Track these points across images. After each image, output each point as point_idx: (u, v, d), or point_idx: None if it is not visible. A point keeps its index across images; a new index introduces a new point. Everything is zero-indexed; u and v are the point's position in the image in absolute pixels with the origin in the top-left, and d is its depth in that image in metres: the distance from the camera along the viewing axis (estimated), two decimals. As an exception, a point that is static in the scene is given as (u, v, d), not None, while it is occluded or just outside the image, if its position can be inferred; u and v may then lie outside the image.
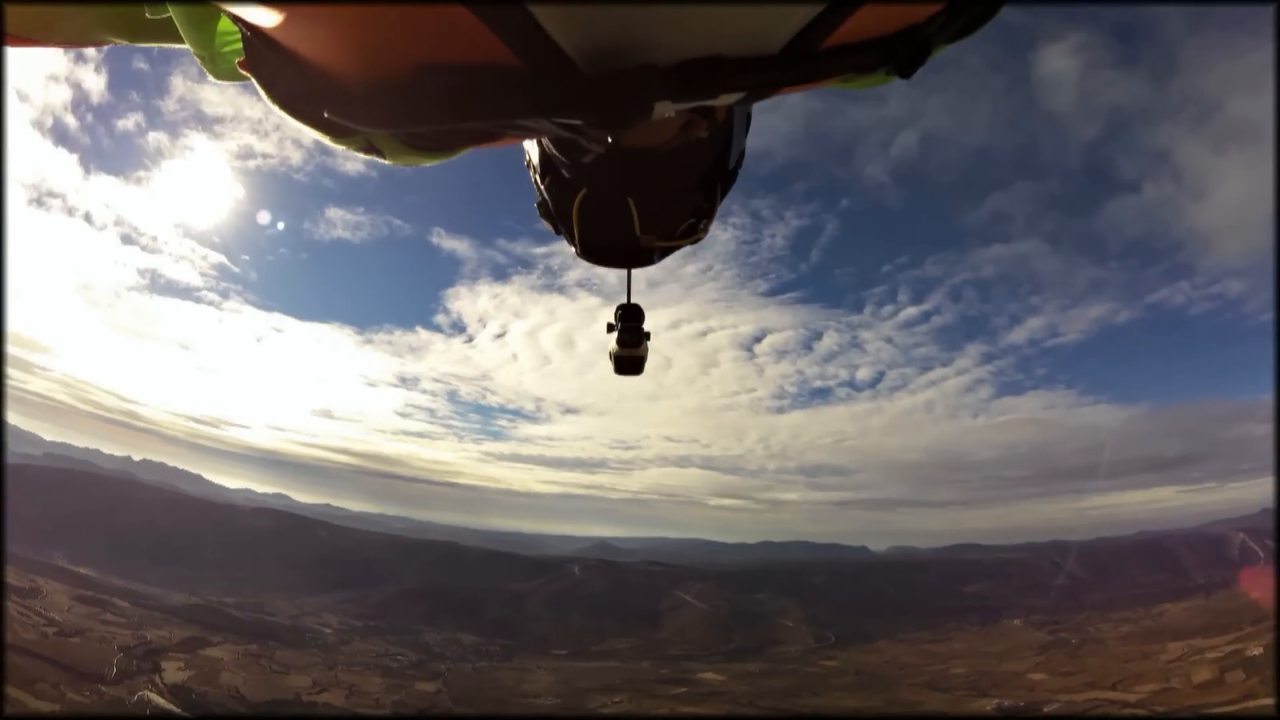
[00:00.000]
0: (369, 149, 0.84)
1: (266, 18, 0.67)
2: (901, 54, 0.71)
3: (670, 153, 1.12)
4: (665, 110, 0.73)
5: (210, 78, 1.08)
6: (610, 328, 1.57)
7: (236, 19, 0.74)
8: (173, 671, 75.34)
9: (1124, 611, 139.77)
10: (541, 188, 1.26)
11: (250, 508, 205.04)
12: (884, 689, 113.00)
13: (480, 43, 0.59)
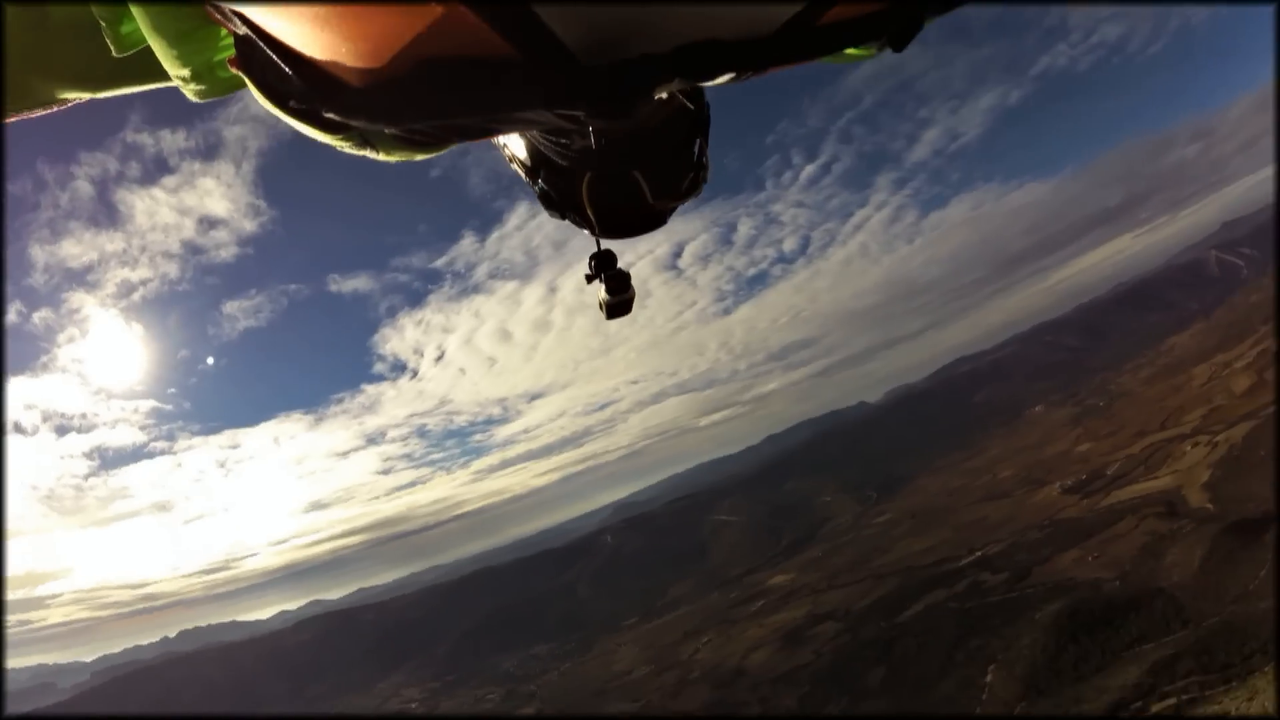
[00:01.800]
0: (363, 144, 0.84)
1: (260, 15, 0.67)
2: (895, 27, 0.72)
3: (662, 122, 1.16)
4: (663, 93, 0.77)
5: (193, 99, 1.05)
6: (590, 279, 1.59)
7: (227, 18, 0.73)
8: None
9: (1135, 360, 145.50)
10: (539, 182, 1.26)
11: (292, 627, 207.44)
12: (946, 518, 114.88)
13: (480, 37, 0.59)
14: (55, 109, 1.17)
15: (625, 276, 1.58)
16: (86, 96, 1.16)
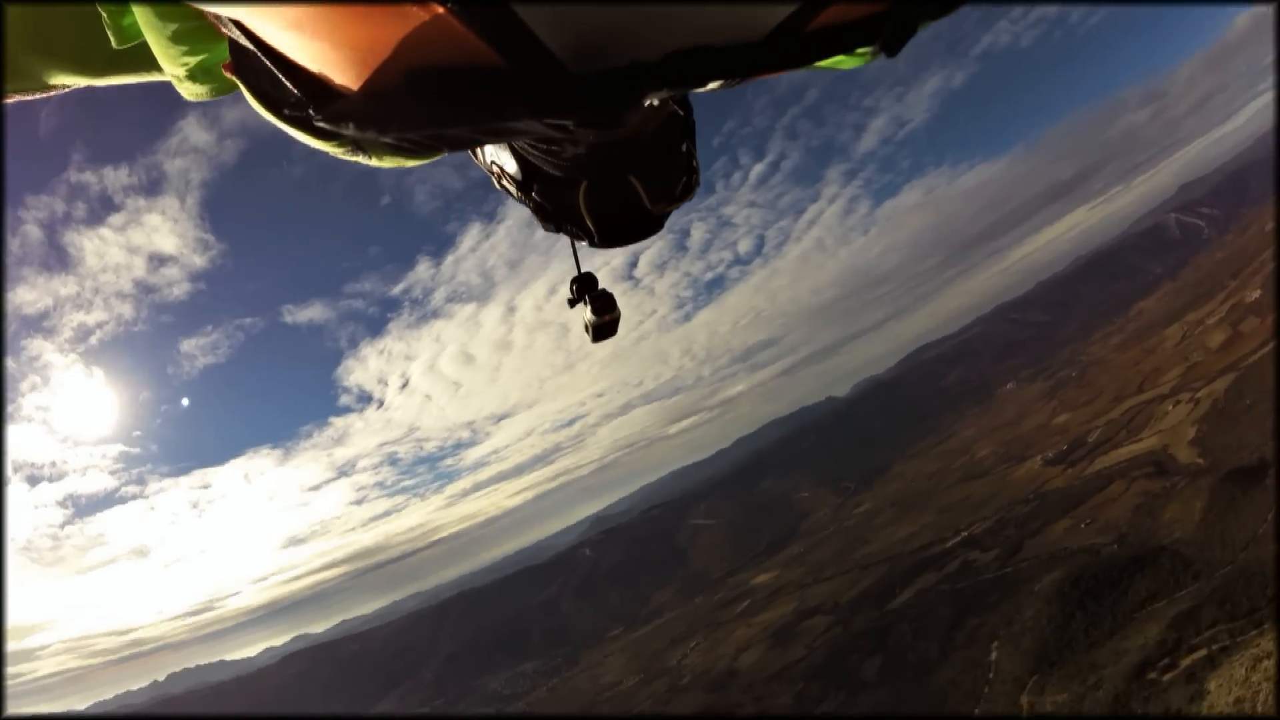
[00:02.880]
0: (355, 151, 0.84)
1: (253, 22, 0.66)
2: (888, 32, 0.70)
3: (655, 128, 1.14)
4: (653, 100, 0.73)
5: (187, 97, 1.05)
6: (572, 302, 1.57)
7: (223, 23, 0.72)
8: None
9: (1103, 329, 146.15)
10: (532, 196, 1.24)
11: (278, 662, 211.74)
12: (927, 502, 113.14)
13: (468, 47, 0.57)
14: (53, 94, 1.16)
15: (610, 297, 1.54)
16: (84, 83, 1.15)
